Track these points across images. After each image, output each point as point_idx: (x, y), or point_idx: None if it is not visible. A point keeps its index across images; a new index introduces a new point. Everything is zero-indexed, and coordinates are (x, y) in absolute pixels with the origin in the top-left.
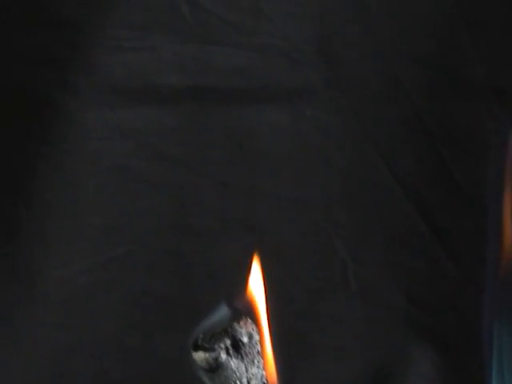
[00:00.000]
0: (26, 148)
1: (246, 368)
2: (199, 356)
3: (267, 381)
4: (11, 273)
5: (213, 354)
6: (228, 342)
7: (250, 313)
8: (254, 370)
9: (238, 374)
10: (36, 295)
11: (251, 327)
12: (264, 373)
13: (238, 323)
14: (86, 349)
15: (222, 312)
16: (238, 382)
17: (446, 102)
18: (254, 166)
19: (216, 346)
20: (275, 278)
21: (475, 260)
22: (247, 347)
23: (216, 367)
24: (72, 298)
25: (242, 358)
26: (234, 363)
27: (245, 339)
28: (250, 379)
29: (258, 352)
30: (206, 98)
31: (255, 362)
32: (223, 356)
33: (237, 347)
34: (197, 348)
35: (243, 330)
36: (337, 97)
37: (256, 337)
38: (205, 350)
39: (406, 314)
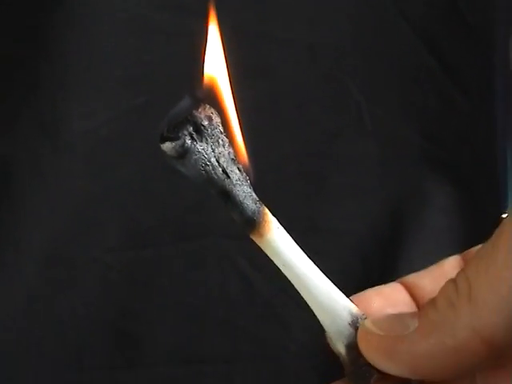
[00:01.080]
0: (40, 1)
1: (212, 148)
2: (167, 147)
3: (236, 157)
4: (37, 124)
5: (178, 142)
6: (190, 128)
7: (211, 97)
8: (220, 149)
9: (205, 155)
10: (61, 146)
11: (210, 111)
12: (231, 150)
13: (197, 110)
14: (113, 198)
15: (184, 103)
16: (207, 162)
17: None
18: (266, 11)
19: (180, 134)
20: (289, 122)
21: (486, 94)
22: (209, 129)
23: (184, 153)
24: (96, 147)
25: (206, 140)
26: (199, 146)
27: (205, 122)
28: (219, 158)
29: (221, 132)
30: None
31: (219, 141)
32: (188, 142)
33: (199, 131)
34: (163, 140)
35: (202, 115)
36: None
37: (216, 119)
38: (170, 139)
39: (420, 151)
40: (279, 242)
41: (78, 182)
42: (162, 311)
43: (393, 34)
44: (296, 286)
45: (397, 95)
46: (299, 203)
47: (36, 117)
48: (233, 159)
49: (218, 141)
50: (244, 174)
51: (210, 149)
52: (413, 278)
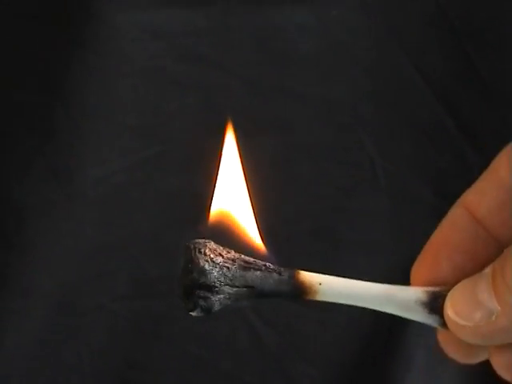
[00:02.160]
0: (61, 50)
1: (224, 282)
2: (195, 315)
3: (246, 262)
4: (50, 171)
5: (198, 310)
6: (197, 291)
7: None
8: (232, 272)
9: (222, 295)
10: (74, 193)
11: (199, 254)
12: (238, 263)
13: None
14: (124, 247)
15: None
16: (227, 296)
17: None
18: (281, 65)
19: (194, 303)
20: (304, 176)
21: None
22: (209, 276)
23: (208, 310)
24: (108, 196)
25: (214, 285)
26: (213, 296)
27: (205, 270)
28: (233, 282)
29: (221, 255)
30: (235, 0)
31: (225, 269)
32: (203, 303)
33: (203, 286)
34: (189, 311)
35: (196, 267)
36: None
37: (211, 250)
38: (191, 310)
39: (432, 208)
40: (329, 293)
41: (89, 229)
42: (168, 362)
43: (408, 89)
44: (361, 305)
45: (410, 151)
46: (311, 258)
47: (50, 163)
48: (244, 267)
49: (223, 270)
50: (262, 267)
51: (222, 287)
52: (472, 196)
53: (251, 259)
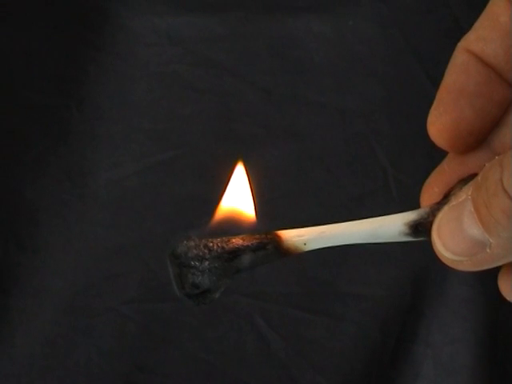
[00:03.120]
0: (78, 52)
1: (205, 267)
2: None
3: (226, 241)
4: (64, 172)
5: (193, 298)
6: (181, 283)
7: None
8: (212, 254)
9: (212, 273)
10: (87, 195)
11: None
12: (216, 244)
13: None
14: (135, 249)
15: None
16: (216, 275)
17: None
18: (297, 74)
19: (188, 294)
20: (318, 184)
21: None
22: (191, 262)
23: (202, 292)
24: (121, 199)
25: (197, 267)
26: (199, 279)
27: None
28: (215, 261)
29: (199, 247)
30: (252, 7)
31: (205, 255)
32: (194, 291)
33: (188, 271)
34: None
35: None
36: (379, 7)
37: (190, 248)
38: (189, 298)
39: None
40: (315, 245)
41: (101, 231)
42: (177, 365)
43: (422, 101)
44: (347, 243)
45: (423, 162)
46: (321, 266)
47: (64, 165)
48: (230, 258)
49: (211, 272)
50: (246, 249)
51: (207, 266)
52: (476, 44)
53: (234, 245)
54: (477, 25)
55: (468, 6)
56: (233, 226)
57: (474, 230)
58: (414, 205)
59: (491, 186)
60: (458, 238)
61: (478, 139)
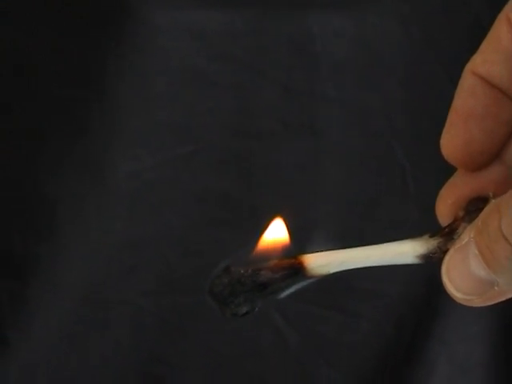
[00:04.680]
0: (98, 46)
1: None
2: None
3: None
4: (82, 165)
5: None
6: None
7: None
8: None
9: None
10: (105, 188)
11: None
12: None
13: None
14: (152, 243)
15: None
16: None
17: None
18: (316, 70)
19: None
20: (335, 181)
21: None
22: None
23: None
24: (139, 192)
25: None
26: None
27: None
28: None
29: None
30: (273, 3)
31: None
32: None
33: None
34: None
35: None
36: (399, 5)
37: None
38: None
39: None
40: (334, 268)
41: (119, 224)
42: (193, 358)
43: (441, 101)
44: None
45: (440, 160)
46: None
47: (83, 158)
48: (262, 289)
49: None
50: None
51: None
52: (481, 67)
53: (264, 278)
54: (482, 48)
55: (489, 5)
56: (268, 254)
57: (480, 271)
58: (431, 204)
59: (491, 233)
60: (467, 279)
61: (490, 157)
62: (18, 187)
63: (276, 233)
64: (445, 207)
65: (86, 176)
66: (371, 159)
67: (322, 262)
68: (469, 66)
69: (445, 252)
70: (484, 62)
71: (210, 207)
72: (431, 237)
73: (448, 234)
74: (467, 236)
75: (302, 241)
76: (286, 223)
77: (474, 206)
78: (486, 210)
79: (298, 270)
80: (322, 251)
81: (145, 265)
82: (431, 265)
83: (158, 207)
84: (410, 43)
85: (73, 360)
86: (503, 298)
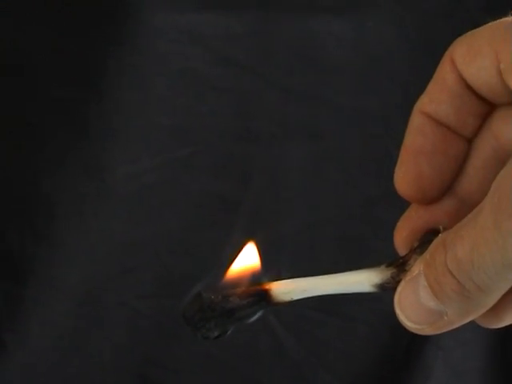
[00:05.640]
0: (98, 47)
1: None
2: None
3: (226, 296)
4: (81, 166)
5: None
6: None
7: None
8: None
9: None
10: (104, 189)
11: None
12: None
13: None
14: (150, 245)
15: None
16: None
17: (505, 14)
18: (316, 74)
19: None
20: (334, 184)
21: None
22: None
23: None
24: (138, 194)
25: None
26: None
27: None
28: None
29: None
30: (273, 7)
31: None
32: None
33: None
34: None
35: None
36: (399, 10)
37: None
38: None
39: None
40: (296, 296)
41: (117, 226)
42: (188, 361)
43: None
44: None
45: None
46: (333, 265)
47: (82, 159)
48: (225, 302)
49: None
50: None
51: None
52: (428, 106)
53: (232, 304)
54: (429, 88)
55: (486, 7)
56: (238, 280)
57: (430, 302)
58: None
59: (438, 267)
60: (418, 310)
61: (441, 191)
62: (17, 187)
63: (247, 258)
64: (401, 239)
65: (84, 177)
66: (370, 162)
67: (285, 289)
68: (417, 106)
69: (398, 282)
70: (431, 101)
71: (208, 210)
72: (387, 267)
73: (401, 265)
74: (417, 268)
75: (302, 241)
76: (257, 248)
77: (427, 238)
78: (434, 243)
79: (264, 297)
80: (287, 278)
81: (142, 267)
82: (387, 294)
83: (157, 209)
84: (409, 47)
85: (69, 360)
86: (452, 327)
